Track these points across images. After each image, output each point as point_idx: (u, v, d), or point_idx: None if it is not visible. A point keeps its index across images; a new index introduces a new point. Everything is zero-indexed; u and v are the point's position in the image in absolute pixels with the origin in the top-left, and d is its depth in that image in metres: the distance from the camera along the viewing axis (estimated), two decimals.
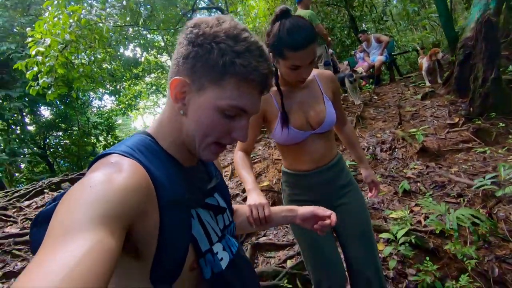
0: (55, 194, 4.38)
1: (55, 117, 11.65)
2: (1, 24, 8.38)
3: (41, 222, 0.54)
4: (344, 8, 9.20)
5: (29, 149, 11.15)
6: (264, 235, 2.56)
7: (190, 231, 0.60)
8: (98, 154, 0.57)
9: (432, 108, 3.97)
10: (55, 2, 5.31)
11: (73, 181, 5.02)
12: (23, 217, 3.53)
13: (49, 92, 5.59)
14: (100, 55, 7.79)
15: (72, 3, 5.57)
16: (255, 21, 10.05)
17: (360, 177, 2.73)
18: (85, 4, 6.17)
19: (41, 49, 4.63)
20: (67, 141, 12.30)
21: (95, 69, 7.52)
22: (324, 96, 1.28)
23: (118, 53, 11.31)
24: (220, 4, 10.30)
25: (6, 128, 10.35)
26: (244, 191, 3.08)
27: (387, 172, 3.06)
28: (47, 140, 11.98)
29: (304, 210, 0.92)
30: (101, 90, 12.70)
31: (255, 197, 1.03)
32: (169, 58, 13.10)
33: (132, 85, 13.87)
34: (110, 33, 6.81)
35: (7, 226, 3.32)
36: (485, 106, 3.53)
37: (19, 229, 3.18)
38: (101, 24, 5.77)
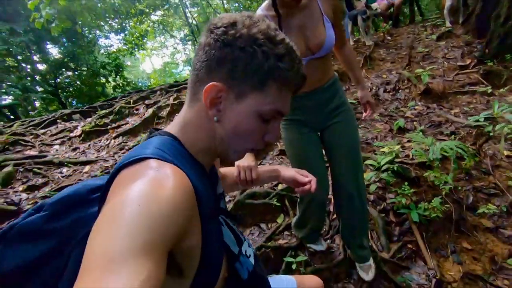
0: (63, 128, 4.62)
1: (63, 56, 11.58)
2: None
3: (13, 238, 0.48)
4: None
5: (41, 88, 11.37)
6: (260, 164, 2.73)
7: (223, 239, 0.59)
8: (125, 158, 0.49)
9: (445, 49, 3.77)
10: None
11: (83, 114, 5.24)
12: (39, 142, 3.82)
13: (53, 25, 5.50)
14: None
15: None
16: None
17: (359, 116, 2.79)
18: None
19: None
20: (78, 82, 12.41)
21: (98, 3, 7.22)
22: (324, 17, 1.24)
23: None
24: None
25: (16, 65, 10.44)
26: None
27: (386, 112, 3.08)
28: (58, 80, 12.11)
29: (285, 173, 0.93)
30: (106, 27, 12.29)
31: (244, 158, 1.05)
32: None
33: (138, 24, 13.32)
34: None
35: (26, 150, 3.63)
36: (502, 48, 3.33)
37: (37, 152, 3.47)
38: None
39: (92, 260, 0.35)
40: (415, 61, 3.75)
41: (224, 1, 13.10)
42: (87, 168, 3.18)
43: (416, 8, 6.65)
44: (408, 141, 2.58)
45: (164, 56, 21.93)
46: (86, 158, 3.48)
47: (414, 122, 2.80)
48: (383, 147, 2.50)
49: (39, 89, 11.23)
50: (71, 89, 12.64)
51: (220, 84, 0.53)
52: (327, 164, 1.52)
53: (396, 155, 2.18)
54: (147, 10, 12.82)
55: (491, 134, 2.30)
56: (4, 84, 9.71)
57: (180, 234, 0.43)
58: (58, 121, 4.75)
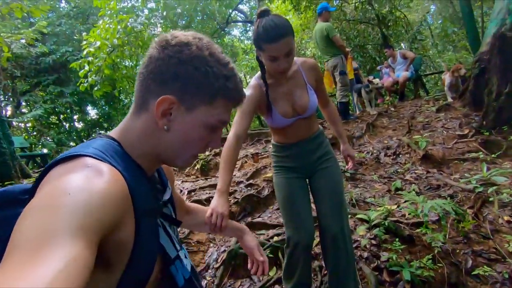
0: None
1: (99, 116, 12.95)
2: (64, 31, 9.70)
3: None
4: (377, 27, 9.34)
5: (74, 143, 12.46)
6: (259, 217, 2.79)
7: (159, 239, 0.61)
8: (62, 155, 0.52)
9: (444, 119, 3.98)
10: (108, 12, 6.18)
11: None
12: None
13: (95, 89, 6.42)
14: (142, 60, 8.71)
15: (121, 12, 6.40)
16: None
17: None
18: (134, 12, 7.05)
19: (92, 49, 5.40)
20: None
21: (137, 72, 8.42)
22: (308, 86, 1.50)
23: None
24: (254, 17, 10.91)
25: (57, 122, 11.74)
26: (248, 179, 3.34)
27: (386, 174, 3.16)
28: (91, 137, 13.26)
29: (248, 240, 1.00)
30: None
31: (220, 203, 1.11)
32: None
33: None
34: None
35: None
36: (498, 120, 3.49)
37: None
38: (144, 32, 6.55)
39: (21, 240, 0.36)
40: (415, 129, 3.95)
41: None
42: None
43: (420, 85, 7.17)
44: (405, 201, 2.60)
45: None
46: None
47: (413, 185, 2.85)
48: (379, 206, 2.53)
49: (72, 144, 12.30)
50: None
51: (172, 97, 0.59)
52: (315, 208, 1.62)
53: (389, 212, 2.21)
54: None
55: (490, 199, 2.31)
56: (43, 138, 10.80)
57: (111, 226, 0.45)
58: None
